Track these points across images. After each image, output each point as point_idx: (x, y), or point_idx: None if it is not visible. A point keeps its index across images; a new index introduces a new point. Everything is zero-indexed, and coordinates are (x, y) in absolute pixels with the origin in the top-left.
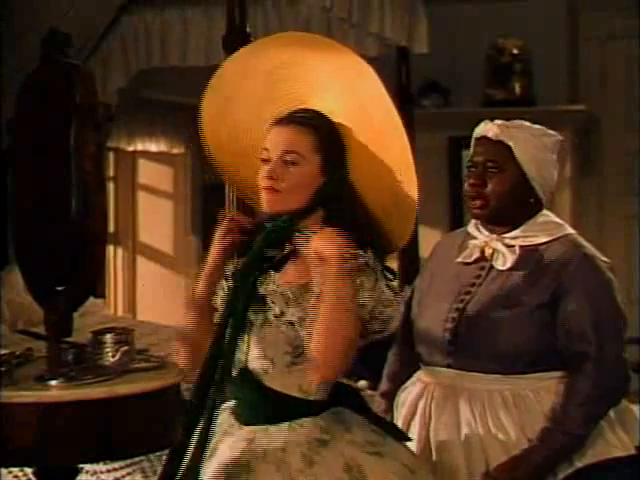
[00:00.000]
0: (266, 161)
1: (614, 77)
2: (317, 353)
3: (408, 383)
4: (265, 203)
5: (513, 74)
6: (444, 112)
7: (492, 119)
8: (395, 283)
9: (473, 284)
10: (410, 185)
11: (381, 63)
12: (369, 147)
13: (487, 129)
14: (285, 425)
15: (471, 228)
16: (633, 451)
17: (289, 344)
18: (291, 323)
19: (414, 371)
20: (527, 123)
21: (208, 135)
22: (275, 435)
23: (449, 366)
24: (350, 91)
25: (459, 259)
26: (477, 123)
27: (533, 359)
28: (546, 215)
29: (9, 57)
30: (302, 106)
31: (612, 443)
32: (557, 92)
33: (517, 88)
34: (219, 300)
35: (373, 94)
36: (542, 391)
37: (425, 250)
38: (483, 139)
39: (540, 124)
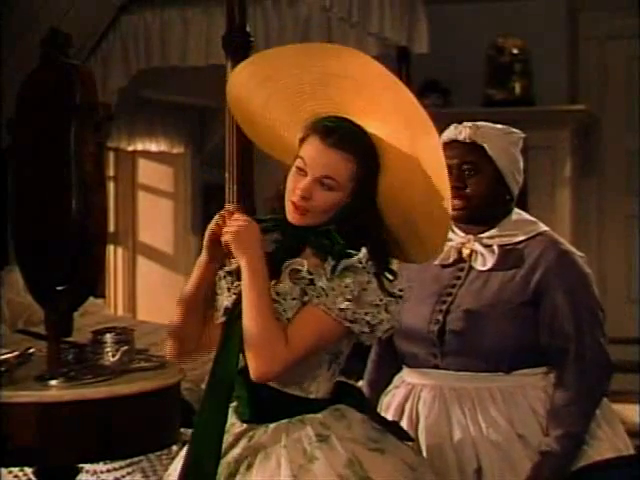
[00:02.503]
0: (301, 171)
1: (614, 77)
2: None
3: (391, 386)
4: (290, 216)
5: (513, 74)
6: (444, 112)
7: (491, 119)
8: (396, 286)
9: (454, 285)
10: (442, 200)
11: (381, 63)
12: (404, 164)
13: (457, 132)
14: (285, 422)
15: None
16: (620, 445)
17: None
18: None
19: (394, 374)
20: (491, 124)
21: (242, 96)
22: (275, 432)
23: (436, 367)
24: (396, 112)
25: (436, 262)
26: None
27: (518, 356)
28: (519, 213)
29: (9, 57)
30: (341, 113)
31: (601, 437)
32: (557, 92)
33: (517, 88)
34: (220, 300)
35: (414, 114)
36: (528, 387)
37: None
38: (453, 143)
39: (540, 124)
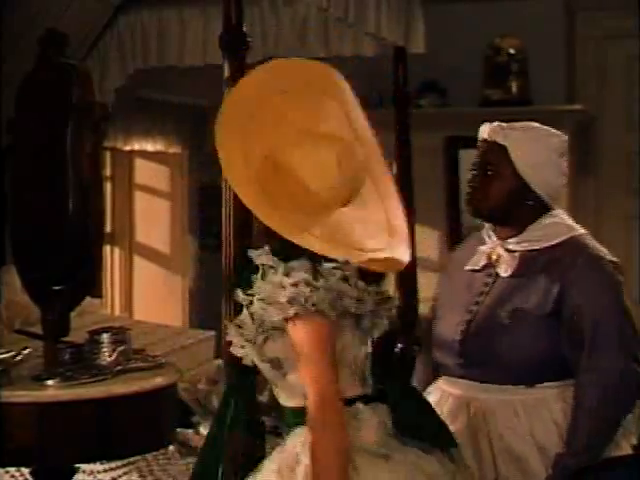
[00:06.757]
0: None
1: (612, 76)
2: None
3: (430, 388)
4: None
5: (510, 74)
6: (441, 112)
7: (488, 119)
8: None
9: (482, 293)
10: None
11: (378, 63)
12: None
13: (483, 130)
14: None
15: (484, 233)
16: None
17: None
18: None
19: (437, 376)
20: (533, 124)
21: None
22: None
23: (462, 377)
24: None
25: (468, 267)
26: (474, 123)
27: (541, 370)
28: (553, 216)
29: (9, 57)
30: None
31: (625, 448)
32: (554, 92)
33: (514, 88)
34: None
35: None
36: (551, 399)
37: (421, 250)
38: (482, 141)
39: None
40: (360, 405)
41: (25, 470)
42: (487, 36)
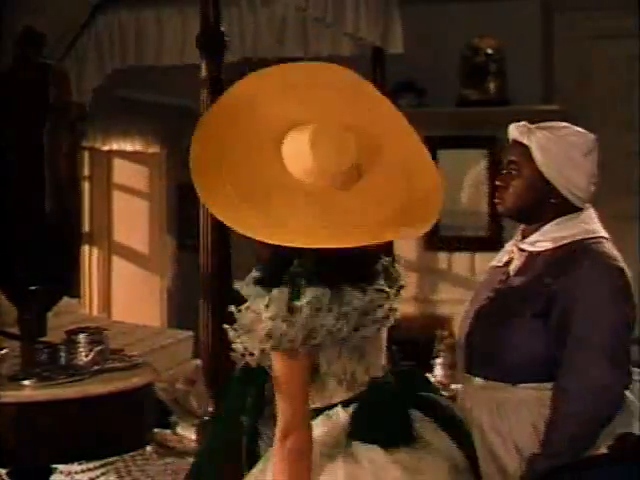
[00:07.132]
0: None
1: (590, 77)
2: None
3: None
4: None
5: (488, 74)
6: (419, 112)
7: (466, 119)
8: None
9: (494, 289)
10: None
11: (356, 63)
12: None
13: (510, 130)
14: None
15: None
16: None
17: None
18: None
19: None
20: (560, 124)
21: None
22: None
23: (466, 370)
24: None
25: (493, 263)
26: (452, 123)
27: (530, 369)
28: (576, 217)
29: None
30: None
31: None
32: (532, 92)
33: (492, 88)
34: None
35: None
36: (534, 402)
37: (398, 249)
38: (511, 141)
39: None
40: (339, 408)
41: (2, 470)
42: (465, 36)
